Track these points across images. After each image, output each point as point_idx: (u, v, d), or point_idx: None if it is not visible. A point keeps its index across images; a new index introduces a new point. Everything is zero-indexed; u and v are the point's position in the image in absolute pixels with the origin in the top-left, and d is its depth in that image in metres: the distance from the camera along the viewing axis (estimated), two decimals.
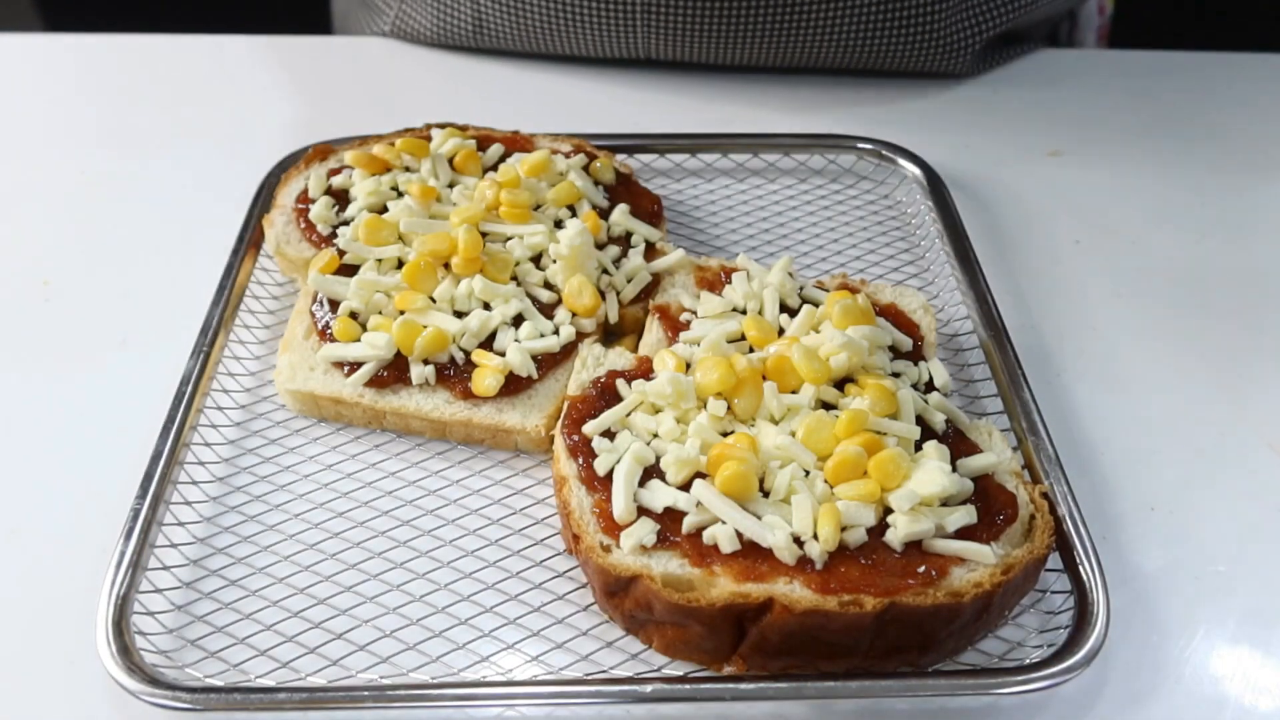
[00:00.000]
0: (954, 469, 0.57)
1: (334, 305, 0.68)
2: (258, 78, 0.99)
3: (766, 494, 0.55)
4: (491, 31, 0.96)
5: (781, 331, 0.65)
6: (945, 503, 0.55)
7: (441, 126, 0.80)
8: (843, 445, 0.56)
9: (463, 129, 0.80)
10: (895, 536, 0.53)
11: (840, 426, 0.57)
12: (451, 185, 0.75)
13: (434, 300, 0.67)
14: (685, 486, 0.56)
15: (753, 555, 0.53)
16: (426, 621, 0.57)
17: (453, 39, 0.99)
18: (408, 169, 0.76)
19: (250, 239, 0.75)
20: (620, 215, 0.74)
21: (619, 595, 0.55)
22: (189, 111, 0.94)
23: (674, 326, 0.67)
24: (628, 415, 0.60)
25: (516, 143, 0.80)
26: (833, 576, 0.52)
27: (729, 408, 0.59)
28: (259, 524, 0.61)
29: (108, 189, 0.85)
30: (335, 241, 0.71)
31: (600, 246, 0.72)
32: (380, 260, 0.69)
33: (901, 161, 0.85)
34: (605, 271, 0.71)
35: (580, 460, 0.58)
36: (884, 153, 0.85)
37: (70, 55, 1.01)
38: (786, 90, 0.96)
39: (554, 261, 0.69)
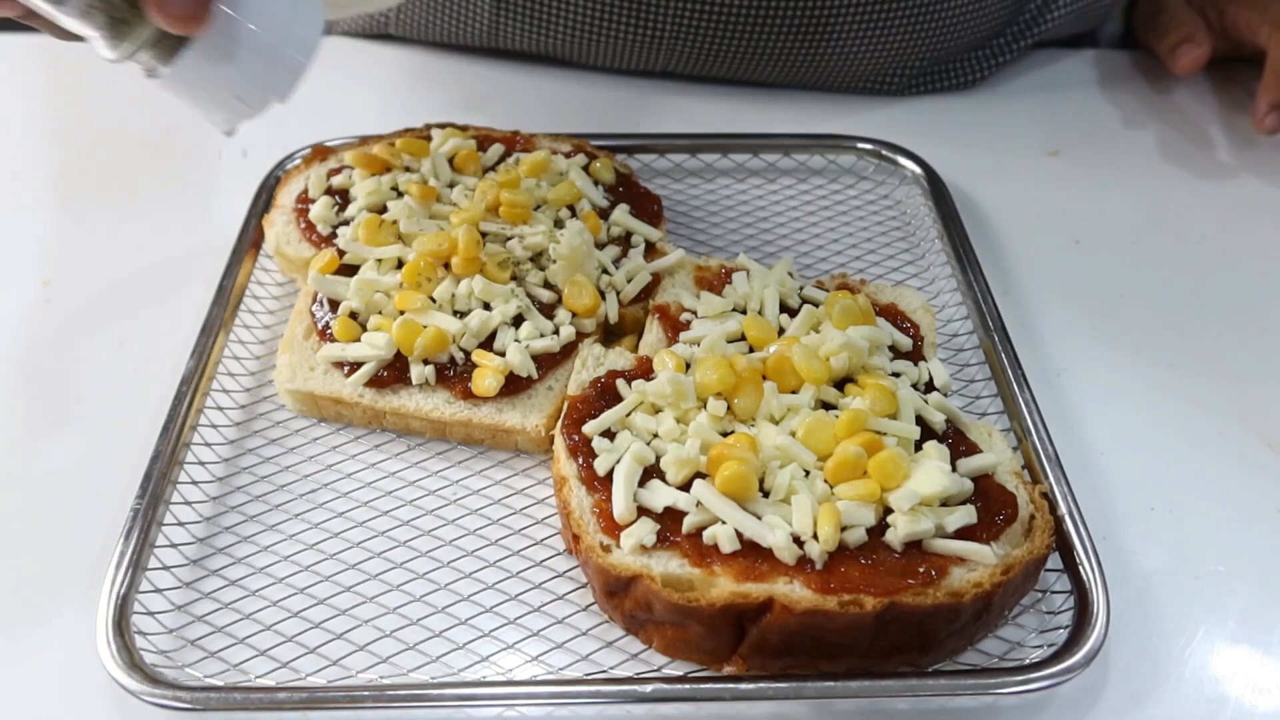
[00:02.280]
0: (954, 469, 0.57)
1: (334, 305, 0.68)
2: None
3: (766, 494, 0.55)
4: (507, 37, 0.95)
5: (781, 331, 0.65)
6: (945, 503, 0.55)
7: (441, 126, 0.80)
8: (843, 445, 0.56)
9: (463, 129, 0.80)
10: (895, 536, 0.53)
11: (840, 426, 0.57)
12: (451, 185, 0.75)
13: (434, 300, 0.67)
14: (685, 486, 0.56)
15: (753, 555, 0.53)
16: (426, 621, 0.57)
17: (463, 40, 0.98)
18: (408, 169, 0.76)
19: (250, 239, 0.75)
20: (620, 215, 0.74)
21: (619, 595, 0.55)
22: (189, 111, 0.93)
23: (674, 326, 0.67)
24: (628, 415, 0.60)
25: (516, 143, 0.80)
26: (833, 576, 0.52)
27: (729, 408, 0.59)
28: (259, 524, 0.61)
29: (108, 189, 0.85)
30: (335, 241, 0.71)
31: (600, 246, 0.72)
32: (380, 260, 0.69)
33: (901, 161, 0.85)
34: (605, 271, 0.71)
35: (580, 460, 0.58)
36: (884, 153, 0.85)
37: (70, 55, 1.01)
38: (786, 90, 0.96)
39: (554, 261, 0.69)
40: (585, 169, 0.77)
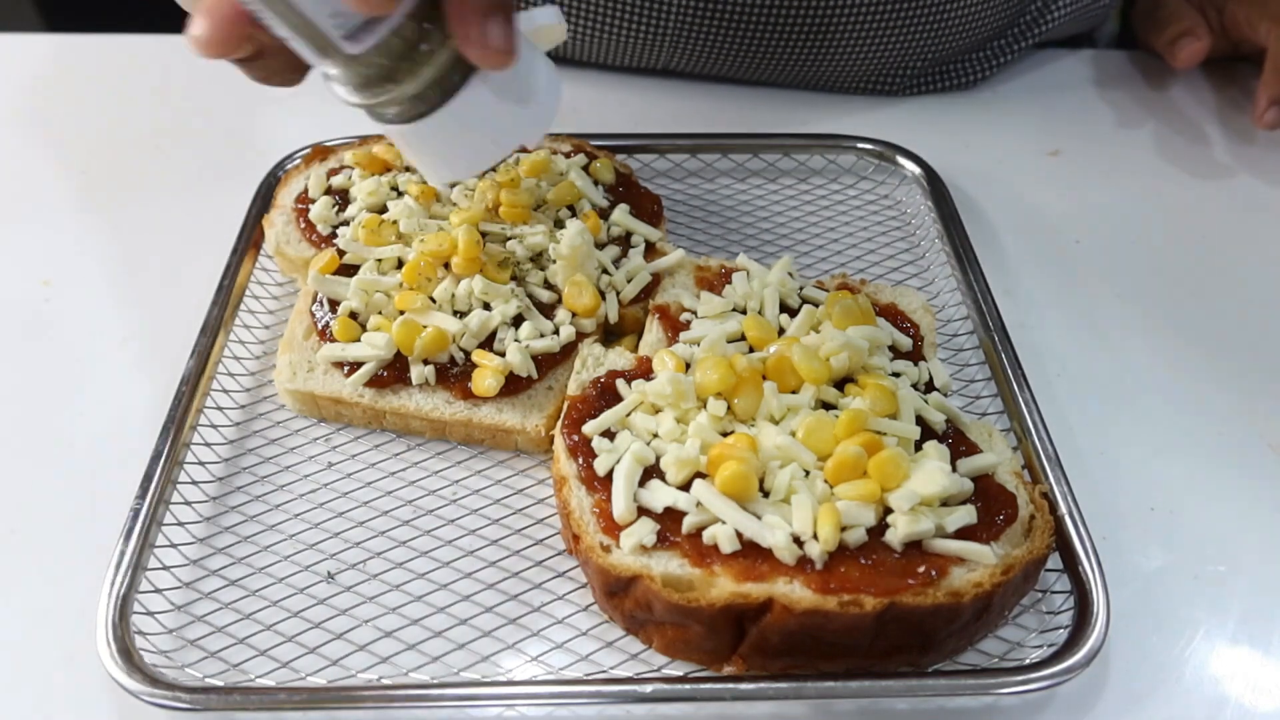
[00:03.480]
0: (954, 469, 0.57)
1: (334, 305, 0.68)
2: None
3: (766, 494, 0.55)
4: None
5: (781, 331, 0.65)
6: (945, 503, 0.55)
7: None
8: (843, 445, 0.56)
9: None
10: (895, 536, 0.53)
11: (840, 426, 0.57)
12: (452, 185, 0.75)
13: (434, 300, 0.67)
14: (685, 486, 0.56)
15: (753, 555, 0.53)
16: (426, 621, 0.57)
17: None
18: (408, 169, 0.76)
19: (250, 239, 0.75)
20: (620, 215, 0.74)
21: (619, 595, 0.55)
22: (189, 111, 0.94)
23: (674, 326, 0.67)
24: (628, 415, 0.60)
25: None
26: (833, 576, 0.52)
27: (729, 408, 0.59)
28: (259, 524, 0.61)
29: (108, 189, 0.85)
30: (335, 241, 0.71)
31: (600, 246, 0.72)
32: (380, 260, 0.69)
33: (901, 161, 0.85)
34: (605, 271, 0.71)
35: (580, 460, 0.58)
36: (884, 153, 0.85)
37: (70, 55, 1.01)
38: (787, 90, 0.96)
39: (554, 261, 0.69)
40: (585, 169, 0.77)
